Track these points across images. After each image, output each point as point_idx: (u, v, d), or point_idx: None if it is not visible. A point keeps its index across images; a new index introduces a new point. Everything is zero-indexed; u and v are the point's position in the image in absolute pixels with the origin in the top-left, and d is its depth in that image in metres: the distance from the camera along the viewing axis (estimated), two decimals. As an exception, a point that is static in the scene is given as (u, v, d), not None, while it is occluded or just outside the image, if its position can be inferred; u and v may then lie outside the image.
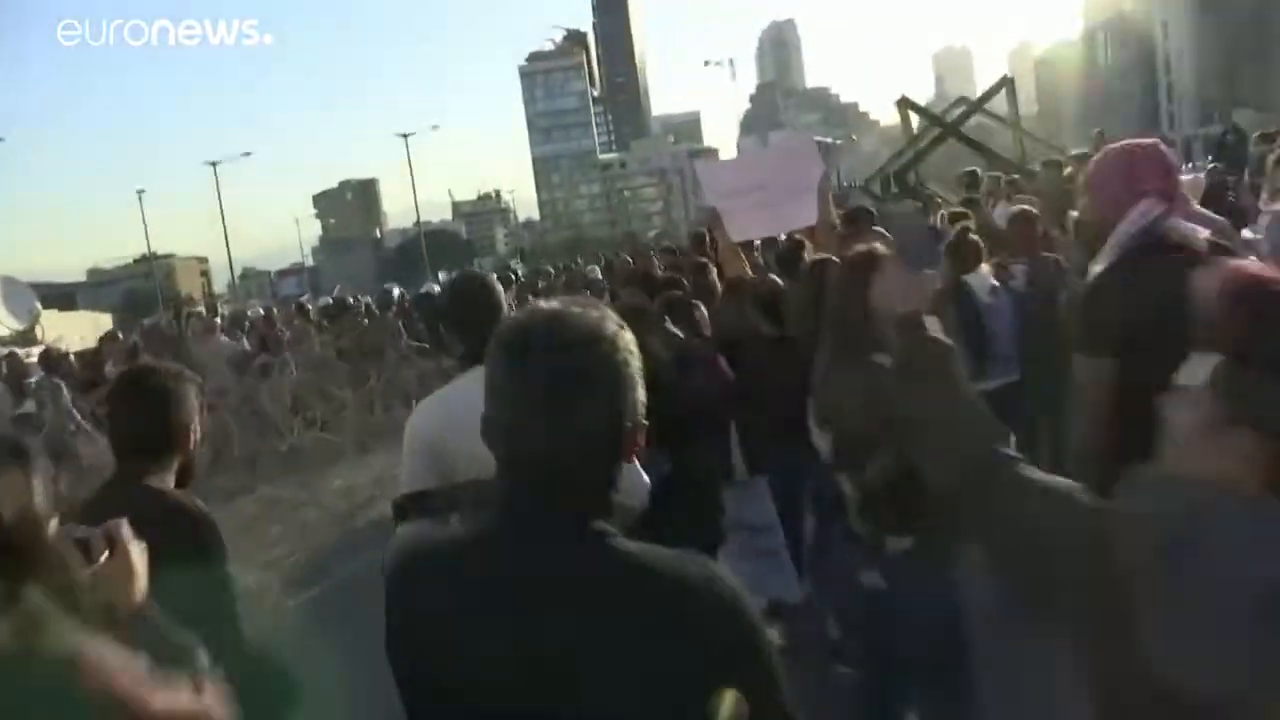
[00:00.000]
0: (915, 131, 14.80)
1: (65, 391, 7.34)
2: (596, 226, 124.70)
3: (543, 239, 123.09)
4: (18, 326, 8.54)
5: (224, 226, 54.81)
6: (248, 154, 52.21)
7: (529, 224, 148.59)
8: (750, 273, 5.14)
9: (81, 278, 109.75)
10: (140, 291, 76.58)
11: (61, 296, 78.17)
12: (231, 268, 69.05)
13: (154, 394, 2.20)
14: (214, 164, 54.61)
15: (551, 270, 15.64)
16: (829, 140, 40.78)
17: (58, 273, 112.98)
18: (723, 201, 5.14)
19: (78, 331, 10.35)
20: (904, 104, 14.93)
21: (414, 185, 57.24)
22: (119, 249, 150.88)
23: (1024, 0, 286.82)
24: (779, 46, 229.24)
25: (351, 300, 12.32)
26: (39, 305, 8.52)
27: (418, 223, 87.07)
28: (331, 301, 12.05)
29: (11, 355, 8.85)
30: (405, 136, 54.18)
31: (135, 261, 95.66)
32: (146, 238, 58.69)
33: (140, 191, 57.20)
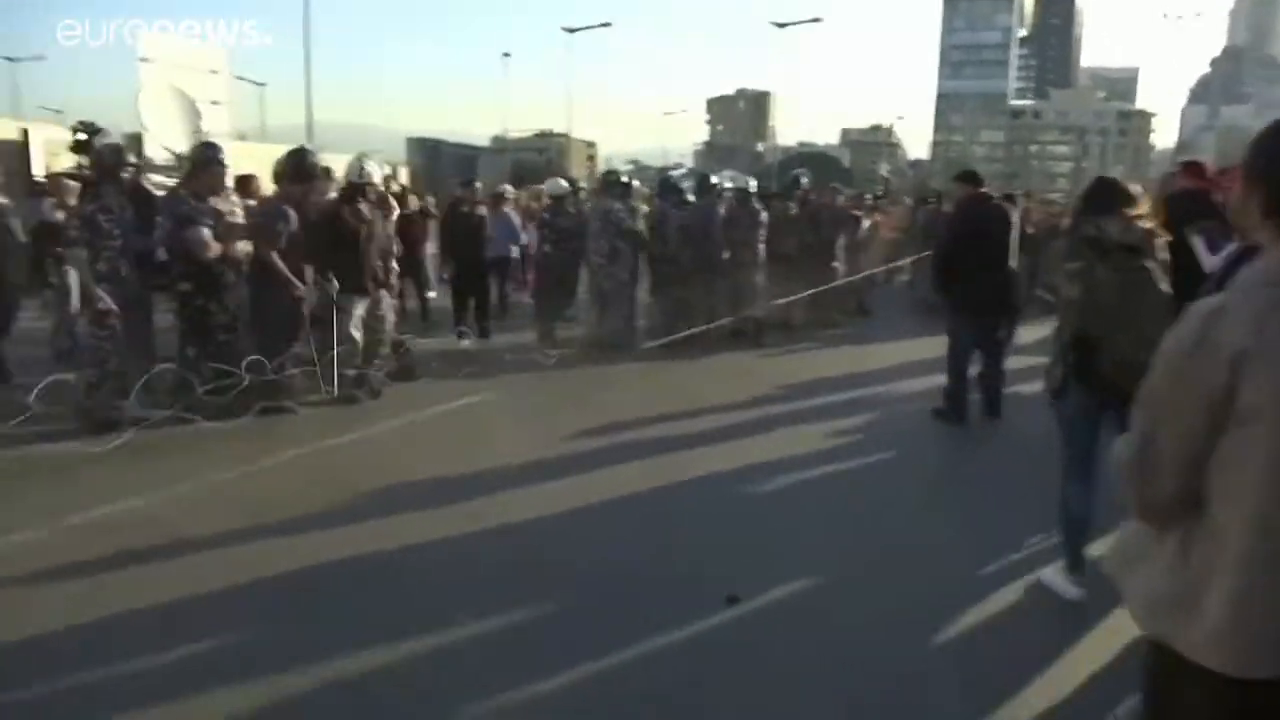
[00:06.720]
0: None
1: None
2: (991, 178, 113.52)
3: (925, 181, 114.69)
4: (175, 149, 6.86)
5: (570, 109, 54.17)
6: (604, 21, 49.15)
7: (916, 163, 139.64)
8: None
9: (487, 143, 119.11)
10: (526, 164, 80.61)
11: (465, 160, 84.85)
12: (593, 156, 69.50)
13: None
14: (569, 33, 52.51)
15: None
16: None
17: (470, 136, 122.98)
18: None
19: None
20: None
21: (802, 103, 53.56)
22: (526, 121, 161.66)
23: None
24: (1261, 4, 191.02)
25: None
26: (203, 126, 6.63)
27: (801, 144, 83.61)
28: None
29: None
30: (782, 26, 48.14)
31: (536, 135, 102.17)
32: (508, 110, 59.69)
33: (505, 53, 55.72)
